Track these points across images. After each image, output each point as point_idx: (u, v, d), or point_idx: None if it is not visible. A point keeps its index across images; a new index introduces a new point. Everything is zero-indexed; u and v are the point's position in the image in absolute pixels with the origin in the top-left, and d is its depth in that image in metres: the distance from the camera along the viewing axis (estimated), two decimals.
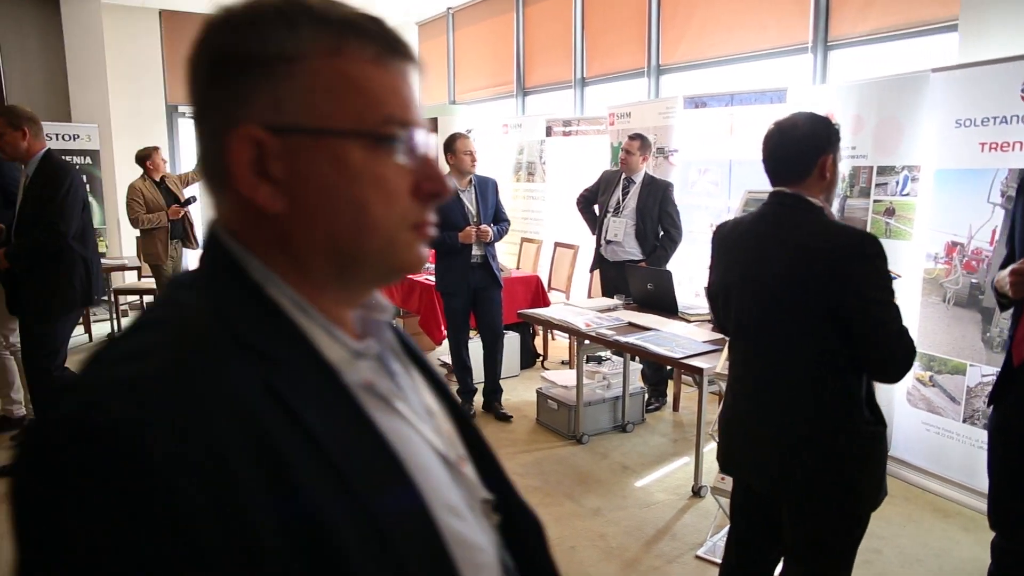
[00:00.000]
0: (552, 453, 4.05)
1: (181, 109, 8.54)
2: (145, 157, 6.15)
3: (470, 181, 4.35)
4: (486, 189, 4.43)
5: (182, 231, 6.34)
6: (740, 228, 1.91)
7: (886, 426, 1.77)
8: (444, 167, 4.37)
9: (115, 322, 6.95)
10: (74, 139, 7.29)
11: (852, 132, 3.81)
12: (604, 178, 4.89)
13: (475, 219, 4.33)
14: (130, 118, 8.04)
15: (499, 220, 4.46)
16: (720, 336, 3.49)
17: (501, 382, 4.67)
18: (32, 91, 7.60)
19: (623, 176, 4.71)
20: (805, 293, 1.68)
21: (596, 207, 4.93)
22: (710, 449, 3.69)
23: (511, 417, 4.50)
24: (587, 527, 3.22)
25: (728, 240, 1.94)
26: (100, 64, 7.64)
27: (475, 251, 4.32)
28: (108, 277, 6.83)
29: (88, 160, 7.37)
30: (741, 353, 1.91)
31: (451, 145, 4.27)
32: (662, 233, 4.64)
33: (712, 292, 2.02)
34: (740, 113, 4.71)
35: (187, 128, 8.52)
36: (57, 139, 7.13)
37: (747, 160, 4.66)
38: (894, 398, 3.66)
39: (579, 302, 4.63)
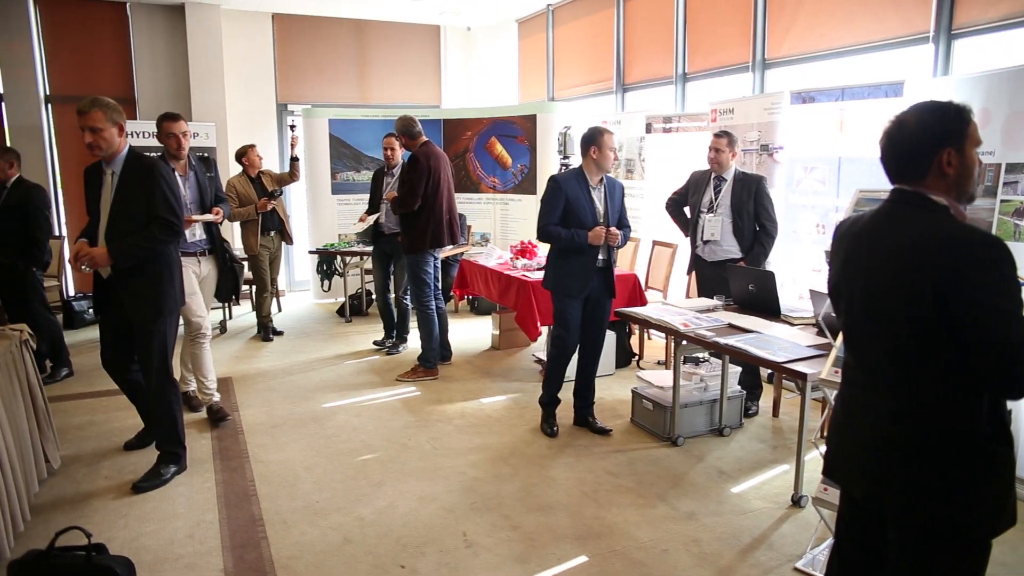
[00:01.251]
0: (646, 454, 4.00)
1: (290, 107, 8.91)
2: (241, 154, 6.50)
3: (601, 180, 4.10)
4: (614, 191, 4.16)
5: (277, 223, 6.61)
6: (856, 227, 1.82)
7: (1012, 446, 1.64)
8: (578, 159, 4.29)
9: (225, 310, 7.32)
10: (194, 137, 7.71)
11: (979, 127, 3.56)
12: (693, 179, 4.76)
13: (603, 220, 4.08)
14: (244, 116, 8.48)
15: (622, 225, 4.20)
16: (825, 341, 3.35)
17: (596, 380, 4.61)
18: (159, 92, 8.14)
19: (713, 175, 4.58)
20: (916, 298, 1.58)
21: (687, 209, 4.82)
22: (812, 458, 3.56)
23: (610, 431, 4.31)
24: (680, 531, 3.16)
25: (844, 238, 1.85)
26: (218, 66, 8.10)
27: (600, 255, 4.11)
28: None
29: (205, 156, 7.78)
30: (850, 355, 1.83)
31: (596, 139, 3.98)
32: (758, 228, 4.49)
33: (830, 291, 1.94)
34: (852, 108, 4.49)
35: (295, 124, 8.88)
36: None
37: (858, 157, 4.45)
38: None
39: (677, 302, 4.54)
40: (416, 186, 5.11)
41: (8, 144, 7.00)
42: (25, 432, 3.32)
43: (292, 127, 7.07)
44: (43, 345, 5.09)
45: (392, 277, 6.09)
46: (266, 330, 6.68)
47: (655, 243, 6.01)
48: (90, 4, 7.89)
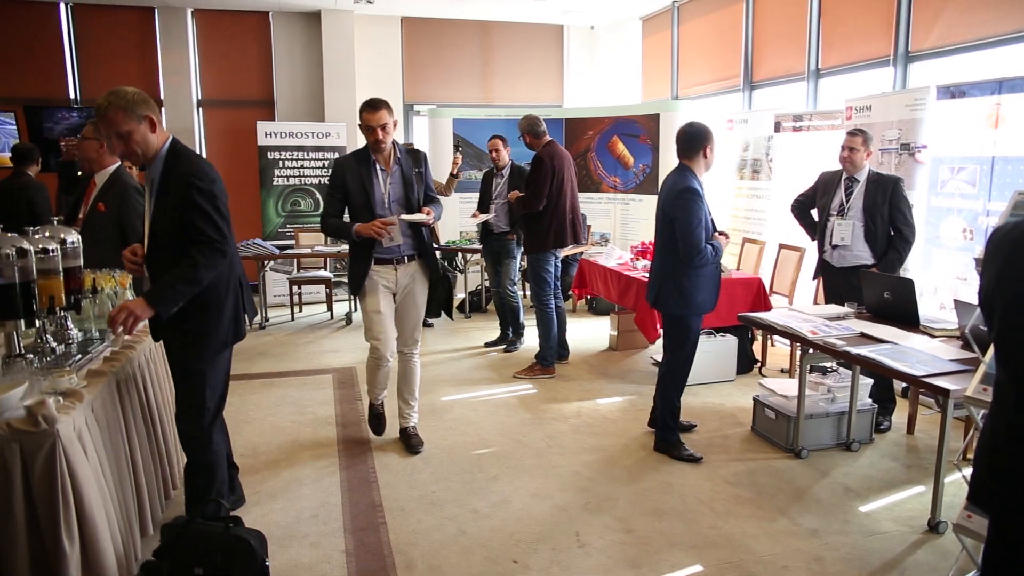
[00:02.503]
0: (767, 465, 3.86)
1: (416, 108, 9.21)
2: None
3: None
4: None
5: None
6: (1015, 232, 1.67)
7: None
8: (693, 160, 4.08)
9: (352, 301, 7.65)
10: (326, 136, 8.13)
11: None
12: (822, 180, 4.52)
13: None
14: None
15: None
16: (971, 355, 3.11)
17: (714, 385, 4.49)
18: (295, 95, 8.63)
19: (844, 176, 4.34)
20: None
21: (814, 212, 4.59)
22: (952, 480, 3.32)
23: (695, 425, 4.35)
24: (802, 548, 3.03)
25: (1000, 245, 1.70)
26: (350, 68, 8.49)
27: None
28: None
29: (336, 155, 8.18)
30: (1003, 373, 1.69)
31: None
32: (893, 233, 4.22)
33: (980, 302, 1.80)
34: (1010, 102, 4.14)
35: (420, 124, 9.17)
36: (312, 136, 8.03)
37: (1016, 157, 4.10)
38: None
39: (804, 308, 4.34)
40: (541, 187, 5.15)
41: None
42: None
43: (457, 148, 7.24)
44: None
45: (498, 273, 6.18)
46: None
47: (781, 246, 5.78)
48: (237, 15, 8.46)
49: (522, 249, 5.76)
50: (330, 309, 7.70)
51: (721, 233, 3.91)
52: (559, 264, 5.50)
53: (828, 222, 4.39)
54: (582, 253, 6.84)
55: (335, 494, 3.52)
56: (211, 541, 2.57)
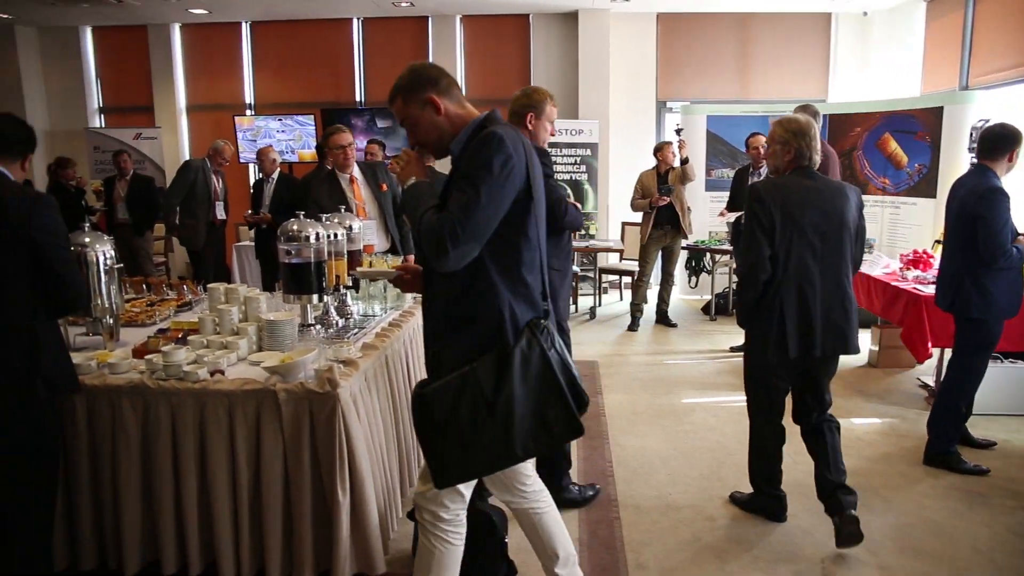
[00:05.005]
0: None
1: (668, 104, 9.09)
2: (657, 150, 6.76)
3: None
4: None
5: (670, 217, 6.70)
6: None
7: None
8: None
9: (597, 296, 7.78)
10: (579, 134, 8.32)
11: None
12: None
13: None
14: (624, 114, 8.87)
15: None
16: None
17: (1000, 418, 3.93)
18: (551, 92, 8.92)
19: None
20: None
21: None
22: None
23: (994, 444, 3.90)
24: None
25: None
26: (604, 66, 8.60)
27: None
28: (594, 257, 7.74)
29: (588, 152, 8.34)
30: None
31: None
32: None
33: None
34: None
35: (671, 121, 9.04)
36: (567, 134, 8.27)
37: None
38: None
39: None
40: None
41: None
42: None
43: (678, 130, 7.13)
44: None
45: None
46: (634, 320, 6.93)
47: None
48: (500, 18, 8.95)
49: None
50: (575, 302, 7.88)
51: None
52: None
53: None
54: None
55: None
56: None
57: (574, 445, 4.04)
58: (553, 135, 3.25)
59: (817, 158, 2.94)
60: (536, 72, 8.97)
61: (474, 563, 2.46)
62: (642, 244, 6.80)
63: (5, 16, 8.60)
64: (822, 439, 3.10)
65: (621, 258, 8.16)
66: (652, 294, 7.33)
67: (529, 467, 2.38)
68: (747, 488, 3.39)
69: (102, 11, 8.32)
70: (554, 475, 3.19)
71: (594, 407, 4.65)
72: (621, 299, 8.28)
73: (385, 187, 4.32)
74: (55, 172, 7.81)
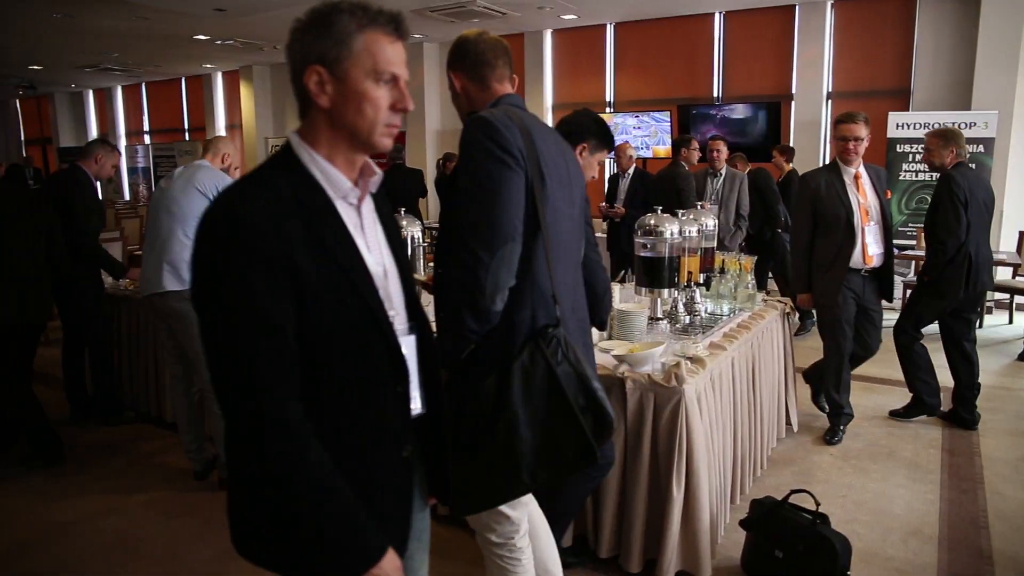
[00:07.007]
0: None
1: None
2: None
3: None
4: None
5: None
6: None
7: None
8: None
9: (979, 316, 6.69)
10: (970, 127, 7.19)
11: None
12: None
13: None
14: None
15: None
16: None
17: None
18: (936, 82, 7.86)
19: None
20: None
21: None
22: None
23: None
24: None
25: None
26: (1014, 48, 7.28)
27: None
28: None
29: (980, 148, 7.18)
30: None
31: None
32: None
33: None
34: None
35: None
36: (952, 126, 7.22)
37: None
38: None
39: None
40: None
41: (787, 142, 8.02)
42: (776, 391, 3.75)
43: None
44: None
45: None
46: None
47: None
48: (879, 3, 8.10)
49: None
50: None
51: None
52: None
53: None
54: None
55: (931, 525, 3.17)
56: (797, 531, 2.62)
57: (937, 485, 3.56)
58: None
59: None
60: (920, 60, 7.94)
61: None
62: None
63: (417, 36, 10.14)
64: None
65: (1015, 274, 6.89)
66: None
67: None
68: None
69: (486, 23, 9.35)
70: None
71: (966, 445, 4.03)
72: (1010, 322, 7.01)
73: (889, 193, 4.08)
74: (443, 165, 9.05)
